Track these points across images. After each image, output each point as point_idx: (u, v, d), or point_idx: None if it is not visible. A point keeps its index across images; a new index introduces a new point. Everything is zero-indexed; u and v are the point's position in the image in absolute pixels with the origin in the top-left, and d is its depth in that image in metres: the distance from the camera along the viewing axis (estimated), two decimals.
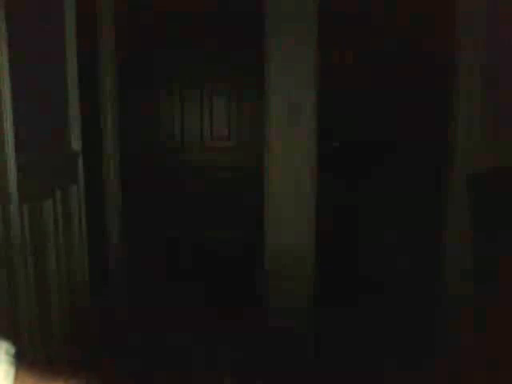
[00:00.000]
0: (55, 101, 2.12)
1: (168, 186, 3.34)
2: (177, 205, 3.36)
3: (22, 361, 0.50)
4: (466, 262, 2.99)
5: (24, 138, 1.69)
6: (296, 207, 3.15)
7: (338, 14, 3.09)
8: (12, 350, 0.50)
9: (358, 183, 3.29)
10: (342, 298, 3.12)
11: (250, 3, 3.14)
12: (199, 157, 3.35)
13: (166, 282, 3.24)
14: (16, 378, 0.49)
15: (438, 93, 3.15)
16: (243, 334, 2.85)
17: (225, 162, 3.34)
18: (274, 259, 3.08)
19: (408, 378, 2.44)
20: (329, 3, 3.01)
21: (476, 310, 2.76)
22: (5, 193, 1.58)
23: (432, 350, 2.72)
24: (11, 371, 0.49)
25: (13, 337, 0.53)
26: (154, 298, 3.07)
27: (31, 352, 1.61)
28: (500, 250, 2.65)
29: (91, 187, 2.51)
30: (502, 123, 2.94)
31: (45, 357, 1.71)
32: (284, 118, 3.11)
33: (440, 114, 3.14)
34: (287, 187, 3.14)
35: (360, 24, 3.11)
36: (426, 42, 3.07)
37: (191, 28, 3.19)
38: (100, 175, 3.02)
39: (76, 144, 2.28)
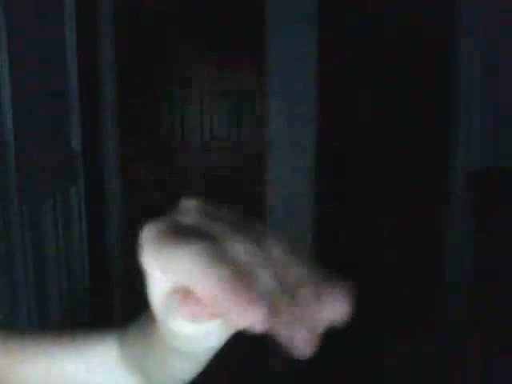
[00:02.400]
0: (55, 101, 2.12)
1: (168, 185, 3.34)
2: (177, 205, 3.35)
3: None
4: (465, 262, 2.99)
5: (24, 138, 1.69)
6: (296, 207, 3.15)
7: (338, 14, 3.09)
8: None
9: (358, 183, 3.29)
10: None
11: (250, 3, 3.14)
12: (199, 157, 3.35)
13: None
14: None
15: (438, 93, 3.15)
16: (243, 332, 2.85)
17: (225, 162, 3.34)
18: None
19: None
20: (329, 3, 3.01)
21: (476, 309, 2.76)
22: (5, 193, 1.58)
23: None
24: None
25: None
26: None
27: None
28: (500, 249, 2.65)
29: (91, 187, 2.51)
30: (502, 123, 2.94)
31: None
32: (284, 118, 3.11)
33: (440, 113, 3.14)
34: (287, 187, 3.15)
35: (361, 24, 3.11)
36: (426, 42, 3.07)
37: (191, 28, 3.19)
38: (100, 175, 3.02)
39: (76, 144, 2.28)
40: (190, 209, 0.35)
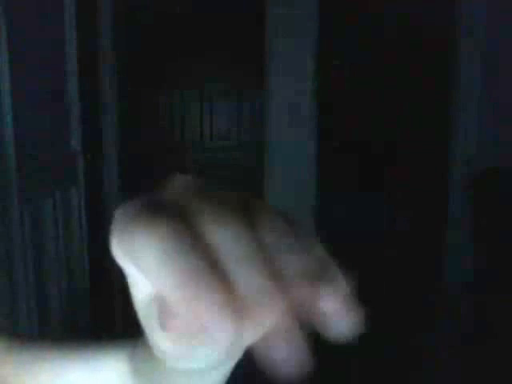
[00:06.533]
0: (55, 100, 2.12)
1: None
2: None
3: None
4: (465, 262, 2.99)
5: (24, 138, 1.69)
6: (296, 207, 3.15)
7: (338, 14, 3.09)
8: None
9: (358, 182, 3.29)
10: None
11: (250, 3, 3.14)
12: (199, 157, 3.35)
13: None
14: None
15: (438, 93, 3.15)
16: None
17: (225, 162, 3.34)
18: None
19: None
20: (329, 3, 3.01)
21: (476, 309, 2.76)
22: (5, 193, 1.58)
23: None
24: None
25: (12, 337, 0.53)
26: None
27: None
28: (500, 249, 2.65)
29: (91, 187, 2.51)
30: (502, 123, 2.94)
31: None
32: (284, 118, 3.11)
33: (440, 113, 3.14)
34: (287, 187, 3.14)
35: (361, 25, 3.11)
36: (426, 42, 3.07)
37: (191, 28, 3.19)
38: (100, 175, 3.02)
39: (76, 144, 2.28)
40: (178, 186, 0.26)
